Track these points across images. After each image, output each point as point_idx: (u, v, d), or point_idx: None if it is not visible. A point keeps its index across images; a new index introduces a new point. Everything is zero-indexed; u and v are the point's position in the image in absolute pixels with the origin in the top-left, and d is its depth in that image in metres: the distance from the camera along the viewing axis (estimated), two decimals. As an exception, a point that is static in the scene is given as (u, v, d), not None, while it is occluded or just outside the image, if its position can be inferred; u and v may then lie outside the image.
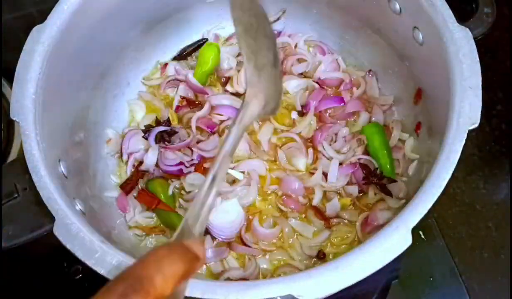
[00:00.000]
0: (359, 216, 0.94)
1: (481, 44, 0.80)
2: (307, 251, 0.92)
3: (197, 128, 1.04)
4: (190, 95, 1.09)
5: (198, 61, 1.10)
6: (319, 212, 0.94)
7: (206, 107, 1.05)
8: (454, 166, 0.68)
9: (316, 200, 0.95)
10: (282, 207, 0.96)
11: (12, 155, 1.05)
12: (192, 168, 1.00)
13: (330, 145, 1.01)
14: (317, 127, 1.04)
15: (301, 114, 1.05)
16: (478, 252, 1.01)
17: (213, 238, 0.94)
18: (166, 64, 1.13)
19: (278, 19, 1.15)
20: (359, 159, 0.97)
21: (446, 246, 1.01)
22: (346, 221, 0.95)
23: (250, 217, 0.95)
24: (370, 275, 0.62)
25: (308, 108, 1.04)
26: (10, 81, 1.08)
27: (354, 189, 0.95)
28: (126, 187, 0.99)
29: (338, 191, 0.97)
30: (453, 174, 0.68)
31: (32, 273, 1.02)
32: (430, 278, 0.99)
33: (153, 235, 0.96)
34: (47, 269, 1.02)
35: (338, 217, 0.95)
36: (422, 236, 1.02)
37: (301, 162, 1.00)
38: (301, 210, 0.96)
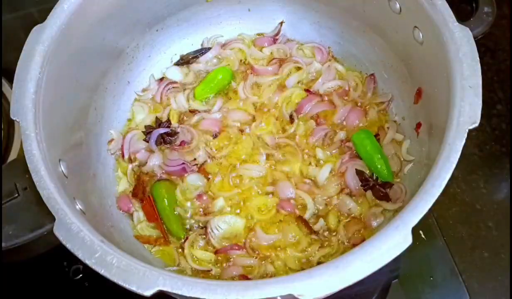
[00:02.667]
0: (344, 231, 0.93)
1: (481, 43, 0.80)
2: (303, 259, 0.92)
3: (201, 130, 1.06)
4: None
5: (207, 77, 1.11)
6: (307, 225, 0.94)
7: (219, 114, 1.07)
8: (454, 165, 0.68)
9: (308, 214, 0.95)
10: (281, 210, 0.96)
11: (12, 155, 1.05)
12: (195, 168, 1.00)
13: (324, 148, 1.01)
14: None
15: (291, 120, 1.05)
16: (478, 251, 1.01)
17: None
18: (162, 78, 1.13)
19: (279, 32, 1.16)
20: (353, 164, 0.97)
21: (446, 245, 1.01)
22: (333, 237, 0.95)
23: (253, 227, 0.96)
24: (370, 275, 0.61)
25: (299, 113, 1.05)
26: (10, 81, 1.09)
27: (350, 203, 0.95)
28: (138, 192, 1.00)
29: (335, 207, 0.97)
30: (453, 173, 0.68)
31: (32, 273, 1.02)
32: (430, 278, 0.99)
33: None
34: (47, 269, 1.02)
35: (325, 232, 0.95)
36: (422, 236, 1.02)
37: (296, 166, 1.00)
38: (296, 214, 0.96)
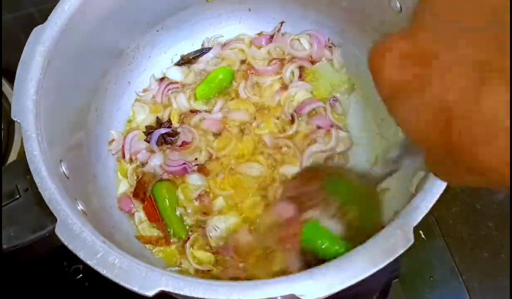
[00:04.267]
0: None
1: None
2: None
3: (202, 130, 1.06)
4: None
5: (207, 77, 1.11)
6: None
7: (220, 114, 1.07)
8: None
9: None
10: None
11: (13, 155, 1.06)
12: (196, 168, 1.00)
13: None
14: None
15: (292, 120, 1.06)
16: (478, 251, 1.01)
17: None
18: (162, 79, 1.14)
19: (279, 31, 1.16)
20: None
21: (447, 245, 1.02)
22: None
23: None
24: (370, 275, 0.62)
25: (300, 113, 1.06)
26: (10, 81, 1.09)
27: None
28: (139, 192, 1.00)
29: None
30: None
31: (32, 272, 1.02)
32: (430, 278, 0.99)
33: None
34: (47, 269, 1.02)
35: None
36: (423, 236, 1.03)
37: (292, 171, 0.99)
38: None
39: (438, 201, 0.67)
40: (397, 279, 0.99)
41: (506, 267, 0.98)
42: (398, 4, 0.89)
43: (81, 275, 1.00)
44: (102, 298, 1.00)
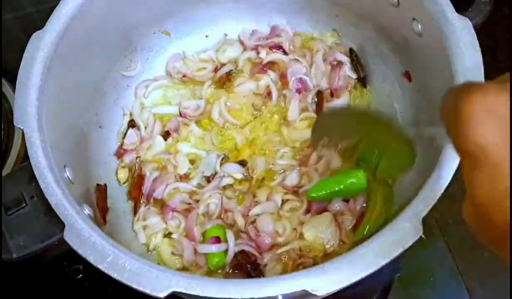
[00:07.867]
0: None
1: (481, 44, 0.80)
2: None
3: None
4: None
5: None
6: None
7: None
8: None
9: None
10: None
11: (13, 154, 1.07)
12: None
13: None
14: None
15: None
16: (478, 251, 1.02)
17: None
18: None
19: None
20: None
21: (447, 245, 1.02)
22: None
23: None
24: (371, 274, 0.64)
25: None
26: (10, 81, 1.09)
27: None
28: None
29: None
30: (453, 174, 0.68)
31: (31, 272, 1.02)
32: (430, 278, 1.00)
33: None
34: (46, 268, 1.02)
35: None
36: (423, 236, 1.02)
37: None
38: None
39: (438, 201, 0.67)
40: (397, 279, 1.00)
41: (506, 267, 0.98)
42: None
43: (81, 275, 1.01)
44: (102, 298, 1.00)
